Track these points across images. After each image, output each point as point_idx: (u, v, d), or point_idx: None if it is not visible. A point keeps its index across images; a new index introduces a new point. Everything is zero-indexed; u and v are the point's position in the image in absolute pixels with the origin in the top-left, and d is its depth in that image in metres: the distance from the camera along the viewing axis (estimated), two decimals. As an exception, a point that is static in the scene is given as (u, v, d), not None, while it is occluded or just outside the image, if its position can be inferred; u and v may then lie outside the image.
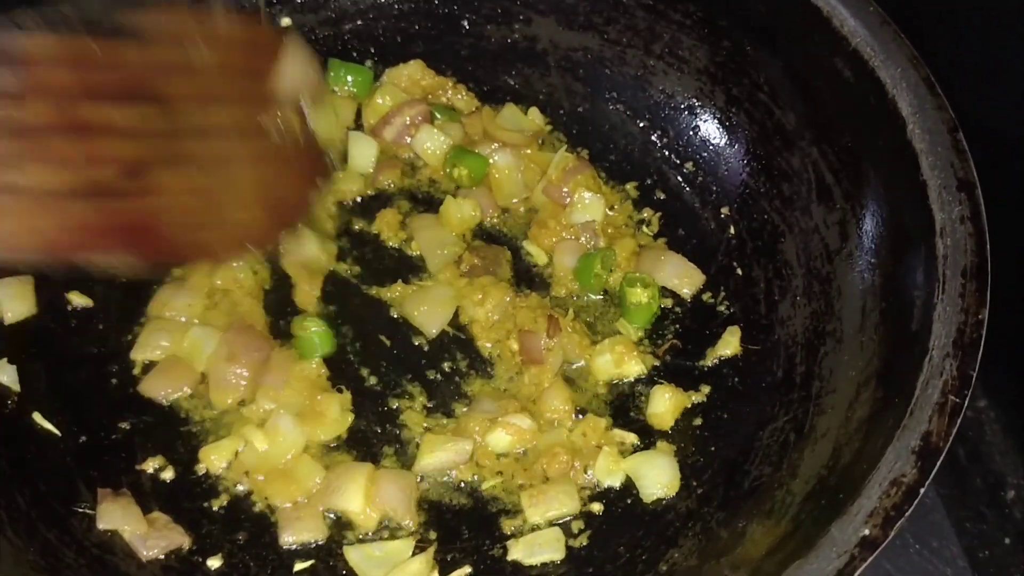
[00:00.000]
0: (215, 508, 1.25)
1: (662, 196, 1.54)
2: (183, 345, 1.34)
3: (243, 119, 1.00)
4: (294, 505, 1.25)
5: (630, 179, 1.55)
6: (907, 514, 0.98)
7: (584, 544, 1.25)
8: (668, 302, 1.44)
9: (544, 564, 1.23)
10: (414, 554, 1.22)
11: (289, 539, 1.23)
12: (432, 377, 1.37)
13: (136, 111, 0.90)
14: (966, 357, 1.06)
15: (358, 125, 1.59)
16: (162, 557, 1.21)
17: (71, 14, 0.90)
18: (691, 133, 1.56)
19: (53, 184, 0.85)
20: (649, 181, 1.55)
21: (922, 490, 0.99)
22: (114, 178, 0.88)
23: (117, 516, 1.21)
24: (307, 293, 1.41)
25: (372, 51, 1.65)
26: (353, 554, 1.22)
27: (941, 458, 1.01)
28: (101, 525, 1.21)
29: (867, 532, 0.96)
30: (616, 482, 1.29)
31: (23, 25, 0.86)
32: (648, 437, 1.33)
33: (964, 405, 1.03)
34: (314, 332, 1.34)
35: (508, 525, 1.26)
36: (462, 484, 1.29)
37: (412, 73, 1.61)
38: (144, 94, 0.91)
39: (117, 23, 0.92)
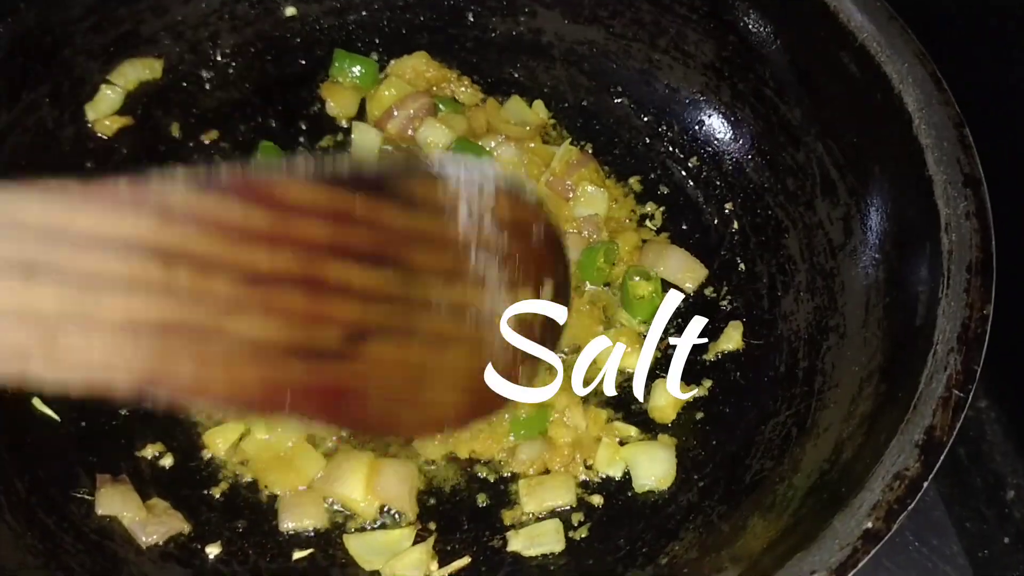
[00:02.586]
0: (215, 495, 1.25)
1: (666, 191, 1.53)
2: None
3: (481, 302, 0.92)
4: (295, 492, 1.25)
5: (634, 173, 1.55)
6: (910, 508, 0.97)
7: (584, 536, 1.25)
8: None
9: (544, 555, 1.23)
10: (414, 544, 1.22)
11: (289, 525, 1.23)
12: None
13: (377, 274, 0.84)
14: (970, 352, 1.06)
15: (362, 116, 1.59)
16: (161, 543, 1.21)
17: (345, 168, 0.83)
18: (696, 128, 1.55)
19: (271, 336, 0.77)
20: (653, 176, 1.55)
21: (925, 484, 0.98)
22: (333, 340, 0.81)
23: (116, 502, 1.20)
24: None
25: (377, 42, 1.65)
26: (353, 542, 1.22)
27: (944, 452, 1.00)
28: (100, 511, 1.20)
29: (870, 525, 0.96)
30: (617, 473, 1.29)
31: (293, 170, 0.79)
32: (650, 431, 1.33)
33: (968, 400, 1.03)
34: None
35: (508, 516, 1.26)
36: (463, 474, 1.29)
37: (417, 65, 1.61)
38: (390, 258, 0.85)
39: (391, 184, 0.85)
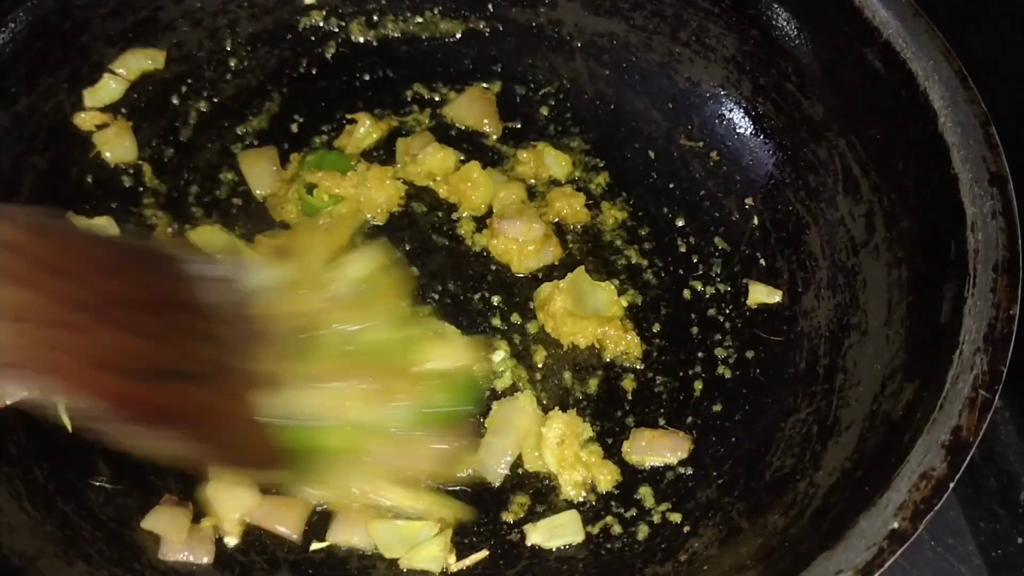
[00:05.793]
0: (233, 485, 1.25)
1: (685, 185, 1.53)
2: None
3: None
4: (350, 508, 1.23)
5: (652, 166, 1.54)
6: (936, 508, 0.97)
7: (602, 530, 1.24)
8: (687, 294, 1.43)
9: (562, 548, 1.23)
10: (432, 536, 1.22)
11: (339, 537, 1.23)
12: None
13: (151, 323, 0.94)
14: (997, 352, 1.05)
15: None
16: (179, 532, 1.21)
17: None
18: (716, 122, 1.54)
19: (105, 353, 0.87)
20: (671, 172, 1.54)
21: (951, 484, 0.98)
22: (145, 367, 0.91)
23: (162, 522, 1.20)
24: None
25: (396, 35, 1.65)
26: (379, 529, 1.21)
27: (971, 453, 1.00)
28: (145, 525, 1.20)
29: (896, 525, 0.96)
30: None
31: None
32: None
33: (994, 400, 1.03)
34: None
35: (524, 508, 1.26)
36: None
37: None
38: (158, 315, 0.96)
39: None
